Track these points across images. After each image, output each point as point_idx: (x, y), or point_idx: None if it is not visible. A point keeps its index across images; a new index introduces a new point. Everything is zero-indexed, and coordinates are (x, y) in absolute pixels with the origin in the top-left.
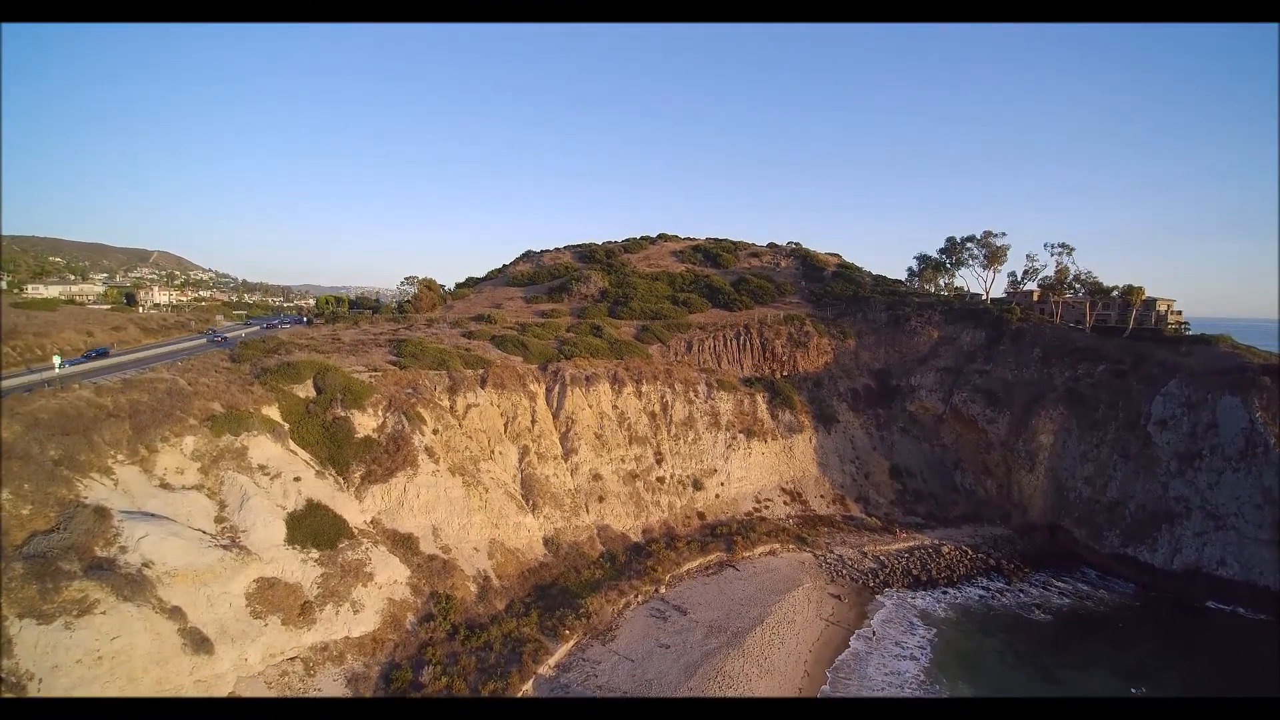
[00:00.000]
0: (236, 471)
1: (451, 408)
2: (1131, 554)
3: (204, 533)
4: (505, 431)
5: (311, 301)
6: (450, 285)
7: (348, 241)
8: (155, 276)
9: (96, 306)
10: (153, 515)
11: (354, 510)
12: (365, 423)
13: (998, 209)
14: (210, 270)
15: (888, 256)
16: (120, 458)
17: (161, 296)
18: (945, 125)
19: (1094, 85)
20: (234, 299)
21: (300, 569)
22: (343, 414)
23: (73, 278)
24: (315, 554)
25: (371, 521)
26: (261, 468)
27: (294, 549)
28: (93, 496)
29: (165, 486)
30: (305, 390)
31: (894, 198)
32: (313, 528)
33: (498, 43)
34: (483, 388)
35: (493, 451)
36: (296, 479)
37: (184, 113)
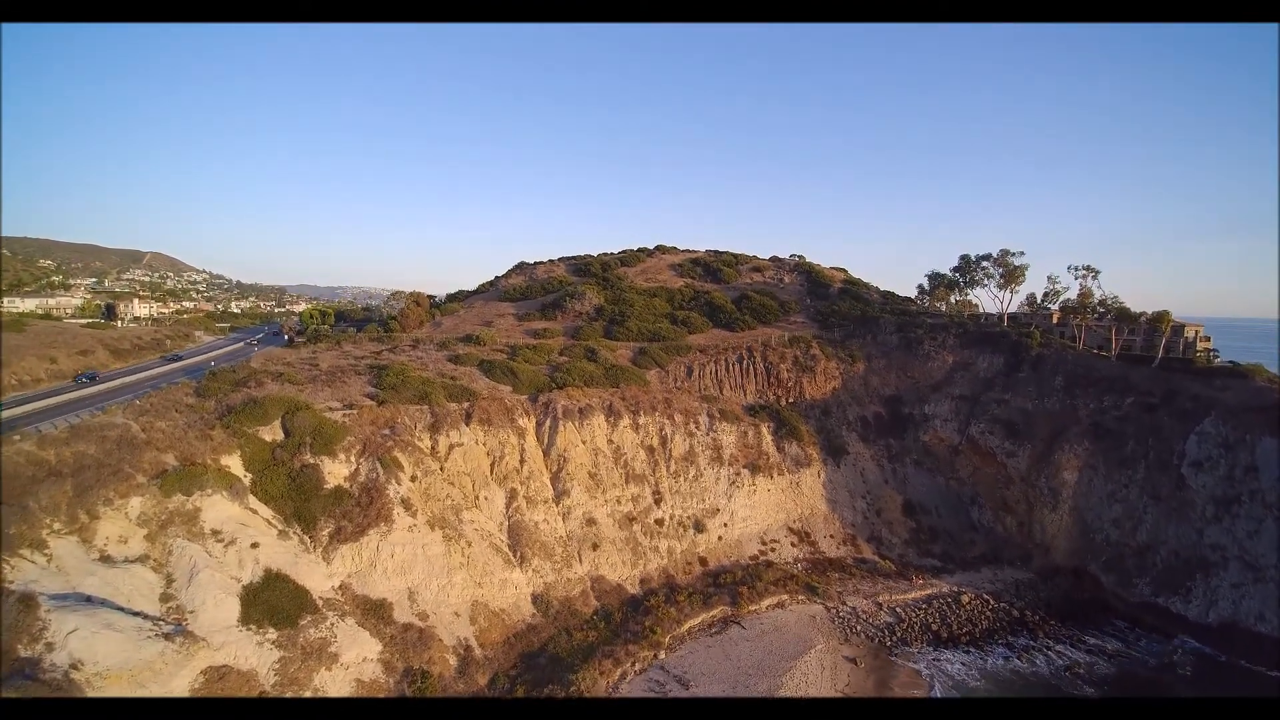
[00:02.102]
0: (186, 539)
1: (433, 449)
2: (1163, 604)
3: (145, 617)
4: (491, 473)
5: (304, 306)
6: (442, 295)
7: (345, 242)
8: (147, 278)
9: (73, 321)
10: (88, 599)
11: (320, 575)
12: (336, 471)
13: (996, 210)
14: (204, 271)
15: (888, 265)
16: (57, 526)
17: (141, 310)
18: (944, 126)
19: (1094, 85)
20: (220, 308)
21: (255, 653)
22: (311, 461)
23: (52, 289)
24: (273, 634)
25: (340, 586)
26: (215, 533)
27: (248, 630)
28: (21, 579)
29: (105, 560)
30: (272, 432)
31: (892, 198)
32: (270, 603)
33: (496, 42)
34: (467, 424)
35: (477, 497)
36: (254, 545)
37: (181, 112)
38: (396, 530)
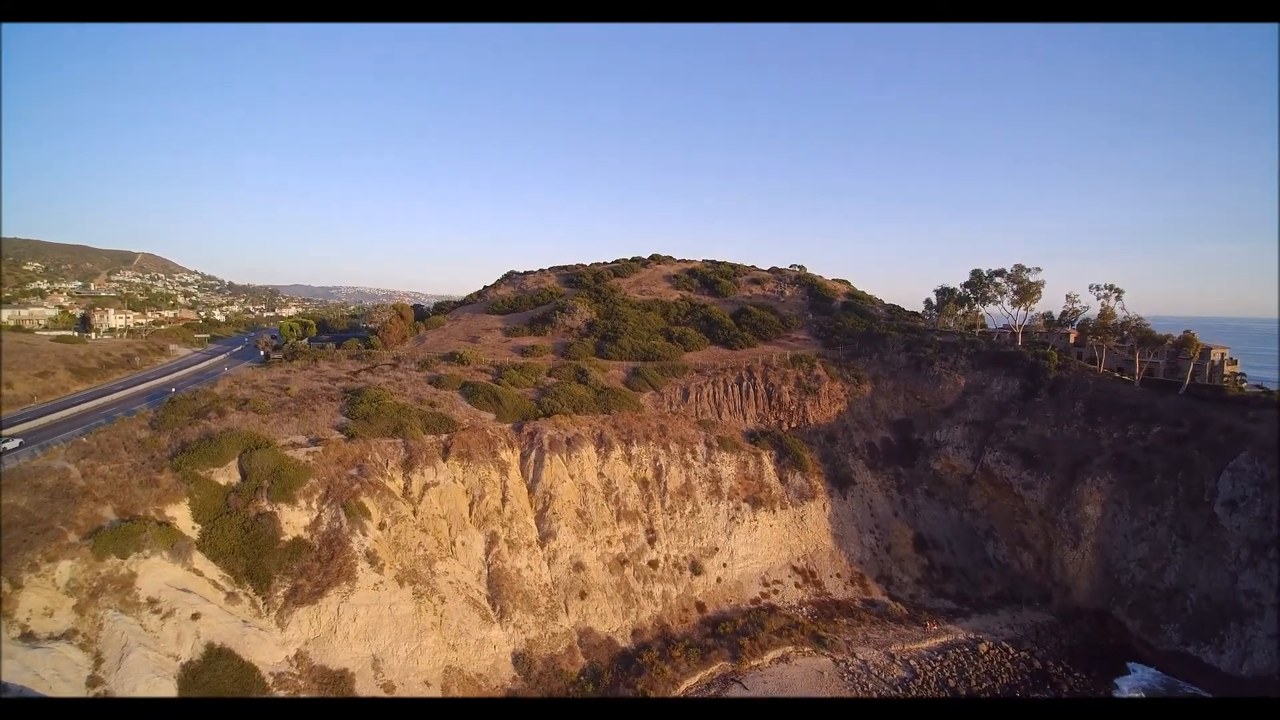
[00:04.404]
0: (119, 611)
1: (405, 489)
2: (1194, 654)
3: None
4: (470, 515)
5: (293, 309)
6: (437, 295)
7: (342, 242)
8: (138, 280)
9: (45, 333)
10: (3, 688)
11: (272, 645)
12: (295, 520)
13: (994, 210)
14: (196, 273)
15: (890, 267)
16: None
17: (117, 320)
18: (939, 124)
19: (1094, 84)
20: (203, 316)
21: None
22: (268, 509)
23: (28, 297)
24: None
25: (295, 656)
26: (151, 603)
27: None
28: None
29: (28, 637)
30: (227, 474)
31: (892, 200)
32: (211, 685)
33: (494, 41)
34: (445, 459)
35: (453, 543)
36: (195, 616)
37: (179, 112)
38: (360, 589)
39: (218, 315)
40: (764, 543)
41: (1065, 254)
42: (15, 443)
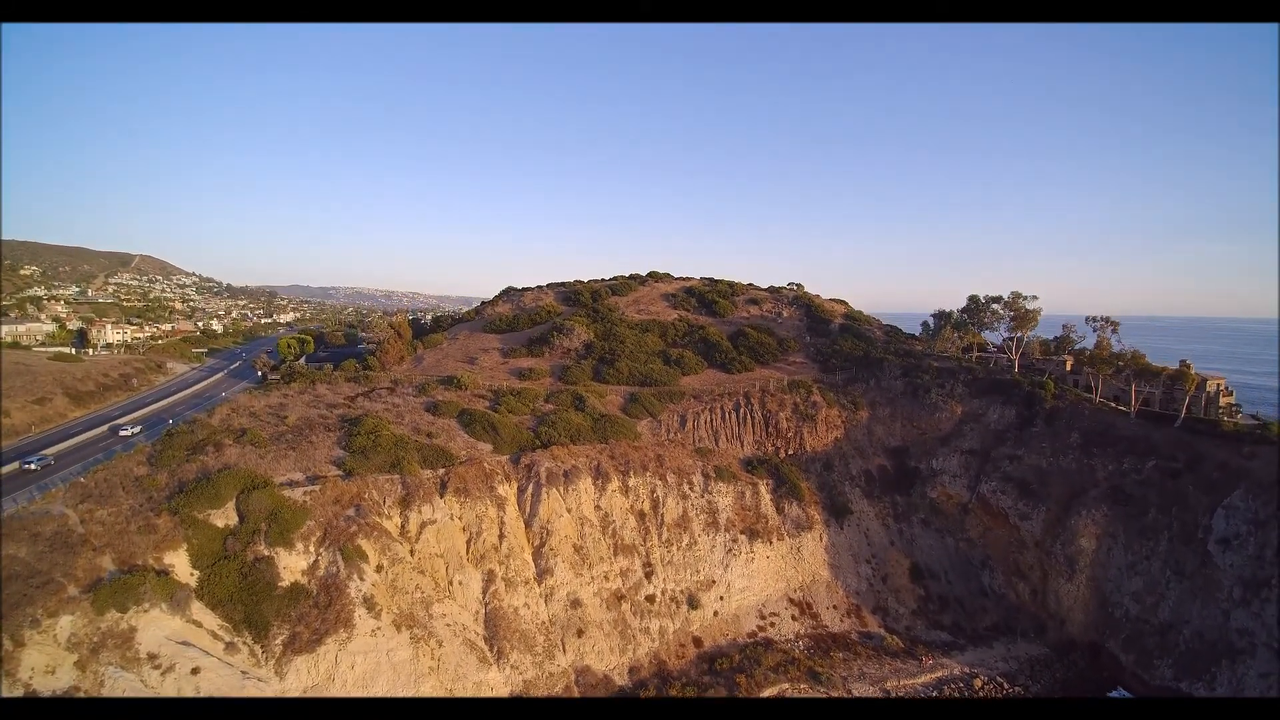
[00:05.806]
0: (120, 667)
1: (403, 528)
2: (1186, 690)
3: None
4: (467, 553)
5: (291, 314)
6: (435, 294)
7: (340, 240)
8: (135, 283)
9: (42, 349)
10: None
11: (270, 695)
12: (293, 565)
13: (994, 210)
14: (194, 275)
15: (881, 267)
16: None
17: (115, 335)
18: (938, 124)
19: (1095, 84)
20: (200, 326)
21: None
22: (266, 553)
23: (24, 309)
24: None
25: None
26: (151, 658)
27: None
28: None
29: (31, 697)
30: (225, 516)
31: (886, 197)
32: None
33: (494, 42)
34: (442, 496)
35: (450, 583)
36: (194, 670)
37: (175, 112)
38: (358, 636)
39: (215, 325)
40: (761, 575)
41: (1066, 253)
42: (138, 427)
